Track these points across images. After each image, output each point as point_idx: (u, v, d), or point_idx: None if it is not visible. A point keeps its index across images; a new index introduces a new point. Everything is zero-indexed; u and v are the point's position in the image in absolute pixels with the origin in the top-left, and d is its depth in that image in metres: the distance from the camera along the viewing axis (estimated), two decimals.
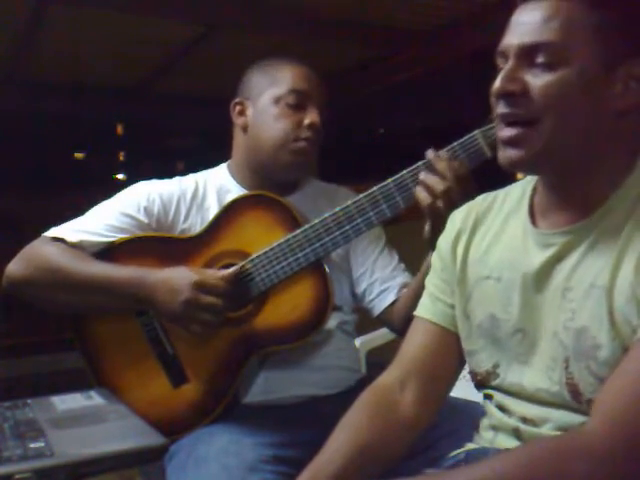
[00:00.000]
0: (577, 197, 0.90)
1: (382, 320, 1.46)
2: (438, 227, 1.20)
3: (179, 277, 1.25)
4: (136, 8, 2.87)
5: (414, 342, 1.05)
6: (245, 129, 1.46)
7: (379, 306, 1.44)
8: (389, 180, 1.23)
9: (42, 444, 0.93)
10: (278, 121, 1.41)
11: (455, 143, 1.17)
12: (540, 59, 0.84)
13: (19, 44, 3.28)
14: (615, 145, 0.87)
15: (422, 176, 1.20)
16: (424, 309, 1.07)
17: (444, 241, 1.07)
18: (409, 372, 1.02)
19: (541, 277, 0.91)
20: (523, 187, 1.01)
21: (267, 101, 1.43)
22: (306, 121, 1.40)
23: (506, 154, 0.88)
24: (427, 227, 1.22)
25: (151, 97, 4.29)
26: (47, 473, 0.87)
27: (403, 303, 1.40)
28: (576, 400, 0.86)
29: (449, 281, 1.05)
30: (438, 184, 1.17)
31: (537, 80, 0.84)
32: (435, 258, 1.09)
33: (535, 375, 0.91)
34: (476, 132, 1.15)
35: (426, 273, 1.28)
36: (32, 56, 3.47)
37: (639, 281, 0.81)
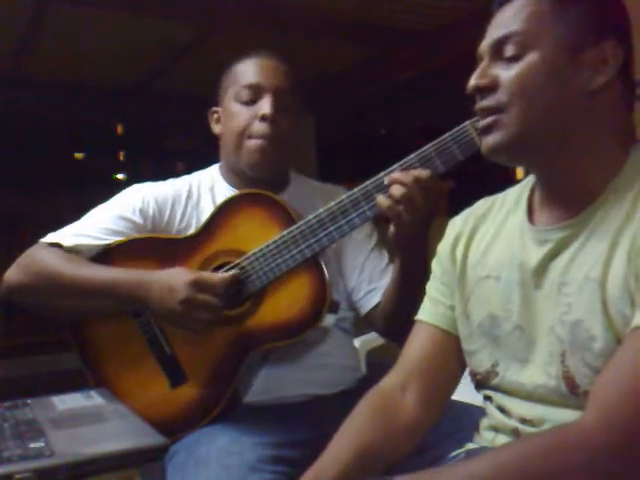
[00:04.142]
0: (570, 191, 0.91)
1: (368, 321, 1.46)
2: (401, 231, 1.21)
3: (175, 277, 1.25)
4: (136, 8, 2.87)
5: (415, 345, 1.05)
6: (221, 137, 1.48)
7: (365, 306, 1.43)
8: (381, 173, 1.23)
9: (42, 444, 0.93)
10: (234, 119, 1.40)
11: (446, 134, 1.17)
12: (508, 52, 0.89)
13: (19, 44, 3.29)
14: (595, 127, 0.88)
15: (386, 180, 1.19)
16: (425, 313, 1.08)
17: (443, 246, 1.08)
18: (411, 375, 1.02)
19: (538, 273, 0.92)
20: (521, 188, 1.03)
21: (228, 102, 1.43)
22: (259, 113, 1.38)
23: (484, 142, 0.93)
24: (390, 229, 1.22)
25: (151, 97, 4.30)
26: (47, 473, 0.87)
27: (382, 305, 1.40)
28: (573, 393, 0.86)
29: (449, 284, 1.06)
30: (398, 190, 1.17)
31: (505, 72, 0.89)
32: (435, 263, 1.10)
33: (533, 372, 0.92)
34: (466, 123, 1.15)
35: (402, 275, 1.29)
36: (32, 56, 3.47)
37: (631, 272, 0.81)
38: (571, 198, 0.91)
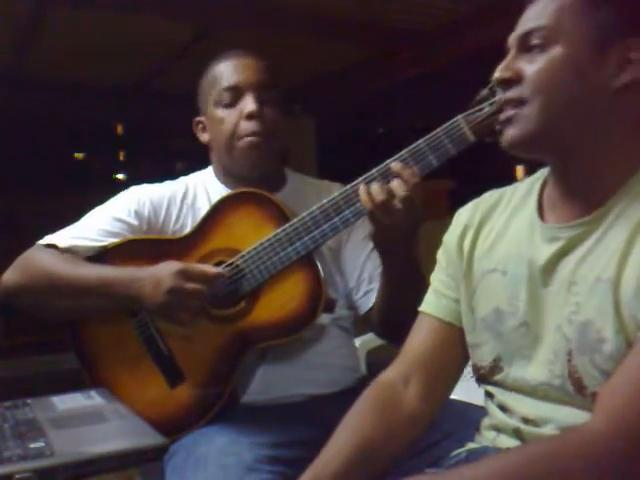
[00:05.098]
0: (584, 189, 0.90)
1: (366, 320, 1.46)
2: (380, 233, 1.21)
3: (164, 269, 1.26)
4: (136, 8, 2.87)
5: (418, 337, 1.05)
6: (210, 144, 1.48)
7: (364, 306, 1.44)
8: (373, 170, 1.22)
9: (42, 444, 0.93)
10: (220, 124, 1.40)
11: (438, 129, 1.17)
12: (533, 42, 0.88)
13: (19, 44, 3.29)
14: (617, 125, 0.88)
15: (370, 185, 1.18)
16: (429, 305, 1.07)
17: (450, 236, 1.08)
18: (413, 368, 1.02)
19: (548, 271, 0.91)
20: (531, 183, 1.02)
21: (211, 108, 1.43)
22: (243, 112, 1.38)
23: (504, 135, 0.92)
24: (371, 230, 1.23)
25: (151, 97, 4.30)
26: (47, 473, 0.87)
27: (376, 306, 1.40)
28: (580, 393, 0.86)
29: (455, 276, 1.05)
30: (379, 194, 1.16)
31: (530, 65, 0.89)
32: (441, 254, 1.09)
33: (537, 369, 0.91)
34: (459, 117, 1.15)
35: (387, 278, 1.29)
36: (32, 56, 3.47)
37: None
38: (584, 196, 0.90)
